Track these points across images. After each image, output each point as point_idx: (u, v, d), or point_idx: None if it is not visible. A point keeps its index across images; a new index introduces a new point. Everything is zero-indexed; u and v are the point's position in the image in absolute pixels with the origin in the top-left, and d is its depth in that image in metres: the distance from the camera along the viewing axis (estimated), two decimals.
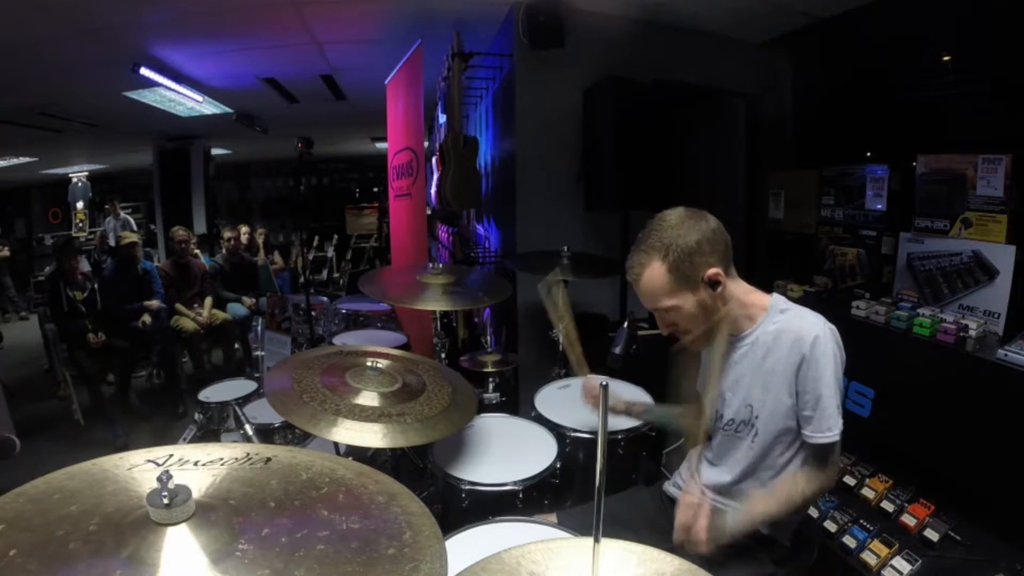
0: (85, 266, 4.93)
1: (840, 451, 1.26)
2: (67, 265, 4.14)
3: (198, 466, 0.86)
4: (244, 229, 6.00)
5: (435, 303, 2.09)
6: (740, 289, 1.31)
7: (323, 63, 4.19)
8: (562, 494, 1.78)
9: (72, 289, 4.08)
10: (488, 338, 3.88)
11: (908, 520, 1.77)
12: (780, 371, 1.25)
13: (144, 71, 3.70)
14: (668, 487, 1.54)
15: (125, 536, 0.70)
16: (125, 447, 3.65)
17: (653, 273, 1.24)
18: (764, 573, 1.32)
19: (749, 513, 1.22)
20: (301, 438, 2.14)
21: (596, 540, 0.82)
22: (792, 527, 1.35)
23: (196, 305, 4.66)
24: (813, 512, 1.95)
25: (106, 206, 8.73)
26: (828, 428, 1.21)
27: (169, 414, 4.11)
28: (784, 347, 1.24)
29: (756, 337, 1.30)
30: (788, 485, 1.24)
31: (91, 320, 4.07)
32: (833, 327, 1.24)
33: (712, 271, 1.23)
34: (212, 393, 2.58)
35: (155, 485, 0.71)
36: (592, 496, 0.84)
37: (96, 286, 4.24)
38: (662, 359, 1.67)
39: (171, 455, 0.88)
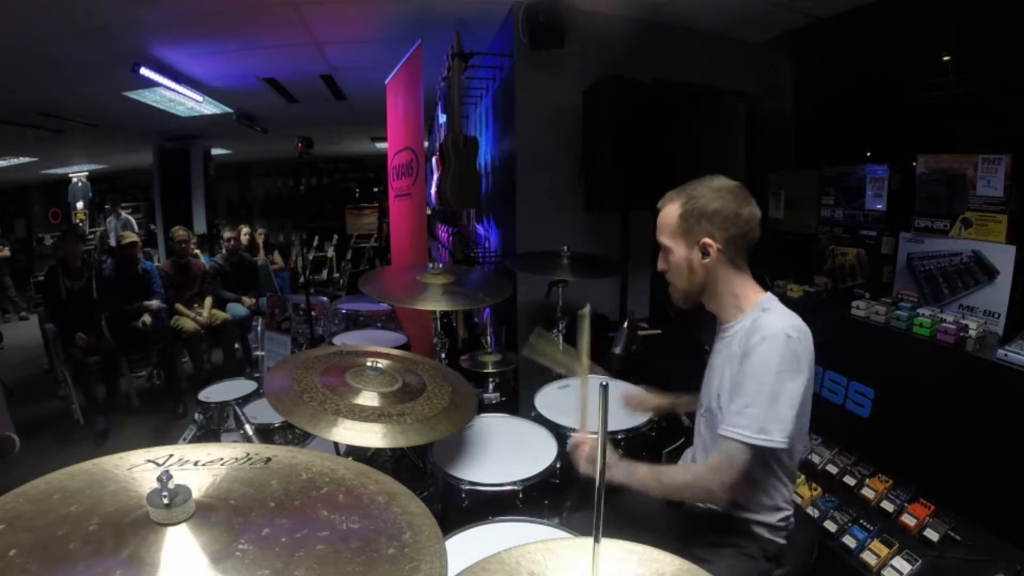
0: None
1: (737, 477, 1.18)
2: (69, 251, 4.13)
3: (198, 466, 0.86)
4: (244, 229, 6.00)
5: (435, 303, 2.08)
6: (739, 278, 1.32)
7: (323, 63, 4.19)
8: (562, 494, 1.78)
9: (70, 278, 4.07)
10: (488, 338, 3.88)
11: (908, 520, 1.77)
12: (736, 363, 1.26)
13: (144, 71, 3.70)
14: None
15: (125, 536, 0.70)
16: (104, 434, 3.71)
17: (670, 210, 1.33)
18: (761, 571, 1.32)
19: (630, 474, 1.30)
20: (301, 438, 2.14)
21: (596, 540, 0.82)
22: (786, 530, 1.35)
23: (196, 305, 4.66)
24: (813, 512, 1.95)
25: (106, 206, 8.73)
26: (744, 426, 1.17)
27: (169, 414, 4.11)
28: (750, 342, 1.24)
29: (736, 331, 1.31)
30: (678, 469, 1.31)
31: (85, 312, 4.06)
32: (803, 335, 1.21)
33: (706, 239, 1.27)
34: (212, 393, 2.57)
35: (155, 485, 0.71)
36: (592, 497, 0.84)
37: (93, 274, 4.23)
38: (662, 359, 1.68)
39: (171, 455, 0.88)
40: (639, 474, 1.30)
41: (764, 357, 1.18)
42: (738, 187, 1.31)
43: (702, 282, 1.32)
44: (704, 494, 1.26)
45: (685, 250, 1.31)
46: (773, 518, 1.33)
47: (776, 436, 1.16)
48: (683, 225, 1.29)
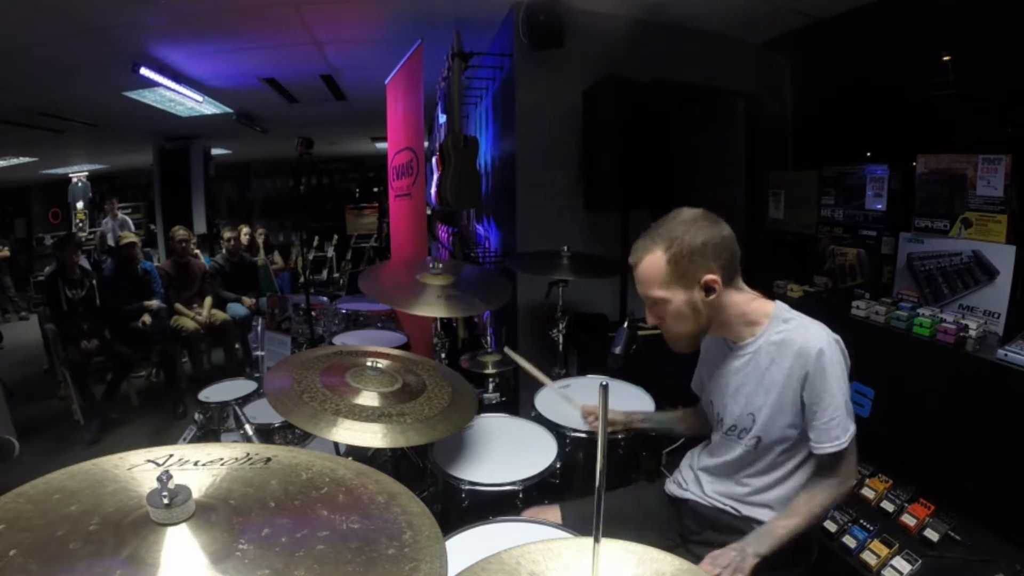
0: (84, 263, 4.91)
1: (855, 457, 1.27)
2: (68, 259, 4.11)
3: (198, 466, 0.86)
4: (244, 229, 6.00)
5: (435, 309, 2.08)
6: (743, 297, 1.31)
7: (323, 63, 4.19)
8: (562, 494, 1.78)
9: (71, 288, 4.07)
10: (488, 338, 3.88)
11: (908, 520, 1.77)
12: (782, 382, 1.25)
13: (144, 71, 3.70)
14: (670, 485, 1.54)
15: (125, 536, 0.70)
16: (95, 443, 3.68)
17: (653, 261, 1.24)
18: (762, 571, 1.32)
19: (772, 534, 1.23)
20: (301, 438, 2.14)
21: (596, 540, 0.82)
22: None
23: (196, 305, 4.66)
24: None
25: (105, 206, 8.73)
26: (836, 437, 1.22)
27: (169, 414, 4.11)
28: (788, 358, 1.24)
29: (759, 346, 1.29)
30: (805, 501, 1.26)
31: (89, 320, 4.06)
32: (837, 337, 1.25)
33: (710, 277, 1.23)
34: (212, 393, 2.57)
35: (155, 485, 0.71)
36: (592, 495, 0.84)
37: (95, 283, 4.23)
38: (662, 359, 1.67)
39: (171, 455, 0.87)
40: (779, 531, 1.23)
41: (829, 370, 1.21)
42: (705, 212, 1.28)
43: (709, 318, 1.27)
44: (839, 500, 1.34)
45: (684, 295, 1.24)
46: None
47: (852, 427, 1.23)
48: (675, 271, 1.22)
